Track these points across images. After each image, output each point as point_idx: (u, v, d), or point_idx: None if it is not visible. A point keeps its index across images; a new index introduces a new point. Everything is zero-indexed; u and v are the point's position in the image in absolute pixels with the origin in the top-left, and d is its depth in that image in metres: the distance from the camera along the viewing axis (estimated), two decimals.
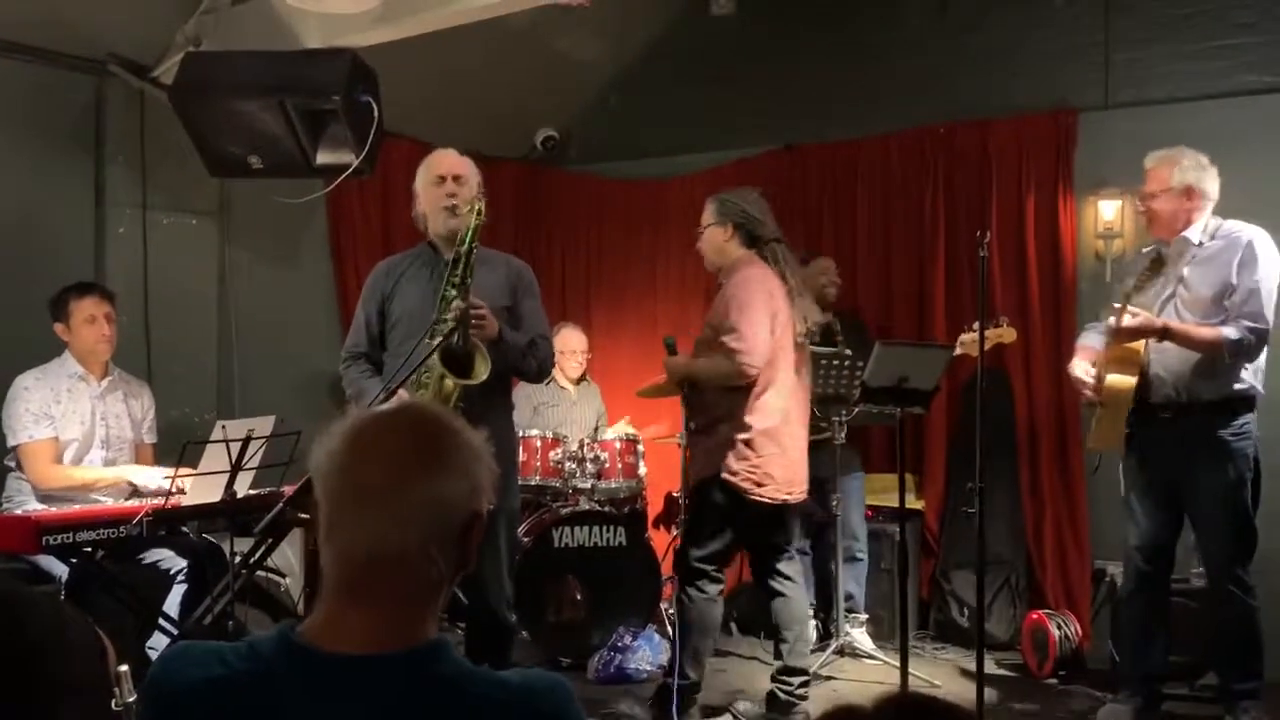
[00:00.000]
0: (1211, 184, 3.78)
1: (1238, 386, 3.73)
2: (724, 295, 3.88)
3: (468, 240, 3.26)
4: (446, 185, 3.51)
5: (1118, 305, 3.71)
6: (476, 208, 3.32)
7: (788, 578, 4.06)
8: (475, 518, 1.31)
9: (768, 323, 3.78)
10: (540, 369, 3.63)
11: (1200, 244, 3.77)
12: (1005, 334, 4.58)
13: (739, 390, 3.80)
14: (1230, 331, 3.61)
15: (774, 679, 4.07)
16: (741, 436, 3.80)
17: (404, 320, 3.51)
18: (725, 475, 3.81)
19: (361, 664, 1.24)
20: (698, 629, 3.90)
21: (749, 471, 3.80)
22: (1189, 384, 3.74)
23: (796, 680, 4.01)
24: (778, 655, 4.08)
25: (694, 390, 3.95)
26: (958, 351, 4.52)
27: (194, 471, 3.43)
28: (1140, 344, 3.73)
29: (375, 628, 1.26)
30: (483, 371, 3.18)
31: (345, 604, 1.28)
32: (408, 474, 1.27)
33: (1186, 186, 3.76)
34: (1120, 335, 3.69)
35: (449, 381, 3.16)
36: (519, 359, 3.49)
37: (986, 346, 4.54)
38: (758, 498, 3.83)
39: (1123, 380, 3.75)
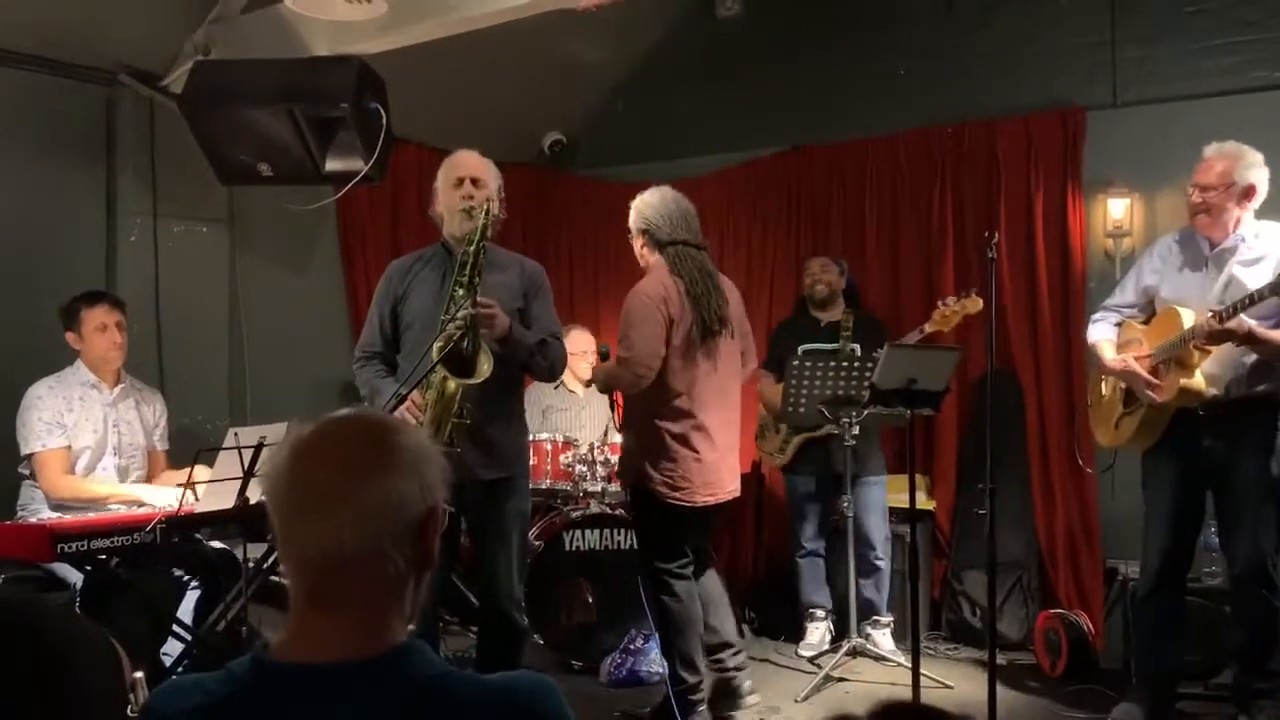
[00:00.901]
0: (1265, 185, 3.75)
1: None
2: (624, 305, 3.89)
3: (476, 241, 3.27)
4: (464, 187, 3.53)
5: (1216, 310, 3.57)
6: (487, 208, 3.34)
7: (706, 569, 4.11)
8: (430, 514, 1.31)
9: (660, 329, 3.76)
10: (552, 368, 3.64)
11: (1246, 243, 3.74)
12: (971, 304, 4.65)
13: (650, 397, 3.80)
14: None
15: (711, 664, 4.06)
16: (655, 442, 3.81)
17: (418, 322, 3.53)
18: (643, 481, 3.83)
19: (332, 674, 1.25)
20: (680, 632, 3.88)
21: (664, 476, 3.80)
22: (1243, 383, 3.70)
23: (728, 654, 4.06)
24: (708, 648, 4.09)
25: (622, 395, 4.00)
26: (928, 329, 4.67)
27: (206, 479, 3.45)
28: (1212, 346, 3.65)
29: (342, 635, 1.26)
30: (485, 370, 3.18)
31: (310, 613, 1.29)
32: (354, 475, 1.27)
33: (1249, 185, 3.72)
34: (1215, 338, 3.58)
35: (451, 383, 3.16)
36: (529, 357, 3.50)
37: (955, 321, 4.71)
38: (675, 502, 3.82)
39: (1194, 382, 3.68)
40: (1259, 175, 3.73)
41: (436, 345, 3.16)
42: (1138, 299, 4.04)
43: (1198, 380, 3.70)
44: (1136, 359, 3.87)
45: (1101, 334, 4.07)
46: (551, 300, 3.71)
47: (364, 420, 1.37)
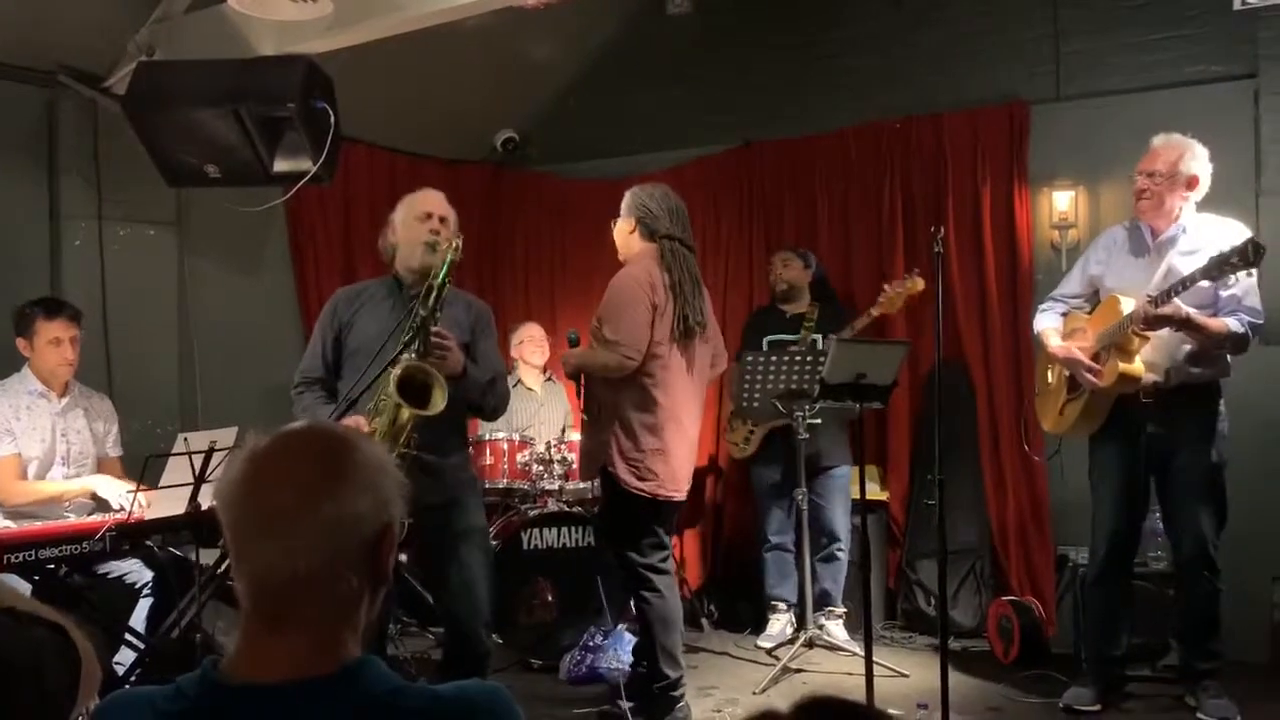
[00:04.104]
0: (1208, 178, 3.86)
1: (1224, 373, 3.84)
2: (609, 288, 3.90)
3: (443, 275, 3.26)
4: (431, 222, 3.52)
5: (1152, 295, 3.66)
6: (455, 244, 3.32)
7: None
8: (386, 530, 1.30)
9: (646, 315, 3.79)
10: (497, 408, 3.63)
11: (1187, 234, 3.84)
12: (913, 284, 4.81)
13: (624, 384, 3.82)
14: (1235, 324, 3.68)
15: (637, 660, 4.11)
16: (625, 431, 3.83)
17: (362, 350, 3.45)
18: (609, 468, 3.85)
19: (285, 693, 1.23)
20: (661, 627, 3.89)
21: (630, 465, 3.82)
22: (1182, 370, 3.79)
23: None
24: None
25: (588, 382, 3.97)
26: (875, 312, 4.86)
27: (157, 486, 3.41)
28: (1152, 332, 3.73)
29: (295, 653, 1.25)
30: (439, 403, 3.15)
31: (262, 632, 1.27)
32: (310, 493, 1.25)
33: (1192, 176, 3.83)
34: (1152, 323, 3.67)
35: (405, 411, 3.14)
36: (480, 395, 3.48)
37: (900, 303, 4.89)
38: (637, 491, 3.83)
39: (1133, 367, 3.77)
40: (1202, 168, 3.84)
41: (395, 374, 3.12)
42: (1083, 289, 4.13)
43: (1136, 365, 3.78)
44: (1080, 348, 3.95)
45: (1047, 323, 4.16)
46: (496, 340, 3.70)
47: (320, 435, 1.34)
